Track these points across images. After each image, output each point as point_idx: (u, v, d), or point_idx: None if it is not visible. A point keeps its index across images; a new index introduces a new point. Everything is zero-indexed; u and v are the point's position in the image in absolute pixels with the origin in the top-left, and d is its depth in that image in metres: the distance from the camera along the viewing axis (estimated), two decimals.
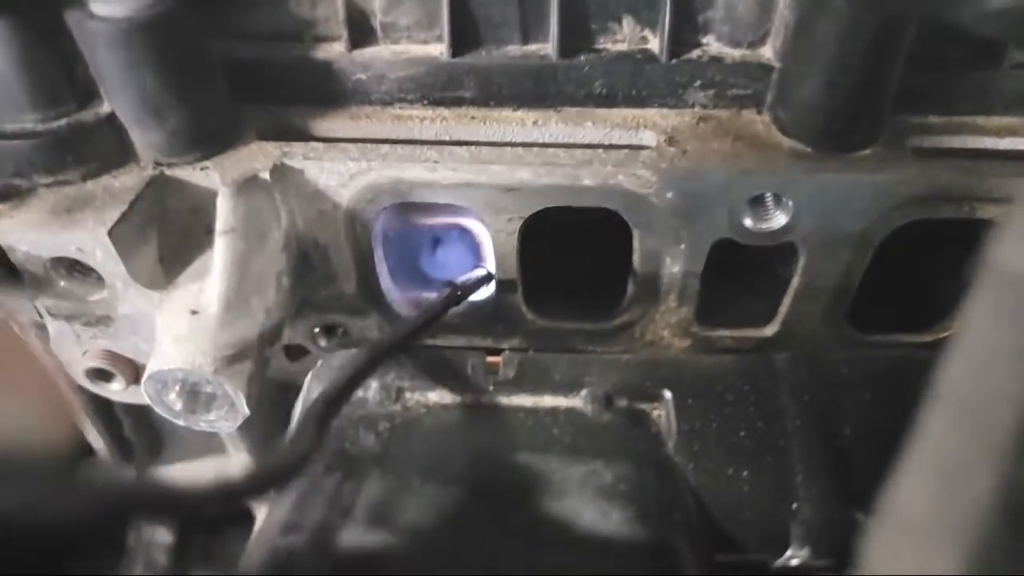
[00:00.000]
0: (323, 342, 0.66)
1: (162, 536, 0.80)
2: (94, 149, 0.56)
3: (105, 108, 0.56)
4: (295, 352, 0.67)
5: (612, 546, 0.43)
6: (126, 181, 0.56)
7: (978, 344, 0.26)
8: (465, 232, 0.84)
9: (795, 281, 0.61)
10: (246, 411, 0.55)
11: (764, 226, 0.57)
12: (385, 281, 0.65)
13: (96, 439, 0.70)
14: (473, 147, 0.58)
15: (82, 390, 0.66)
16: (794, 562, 0.45)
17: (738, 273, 0.70)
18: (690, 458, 0.49)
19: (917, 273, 0.65)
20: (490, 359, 0.55)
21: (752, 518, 0.47)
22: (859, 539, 0.45)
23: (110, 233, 0.53)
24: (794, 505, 0.46)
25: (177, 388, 0.55)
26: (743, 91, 0.59)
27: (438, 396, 0.53)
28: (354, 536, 0.44)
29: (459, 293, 0.59)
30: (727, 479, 0.48)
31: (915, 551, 0.25)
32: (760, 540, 0.46)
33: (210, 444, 0.71)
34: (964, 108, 0.58)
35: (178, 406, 0.56)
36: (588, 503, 0.45)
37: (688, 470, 0.48)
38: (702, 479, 0.48)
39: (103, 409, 0.69)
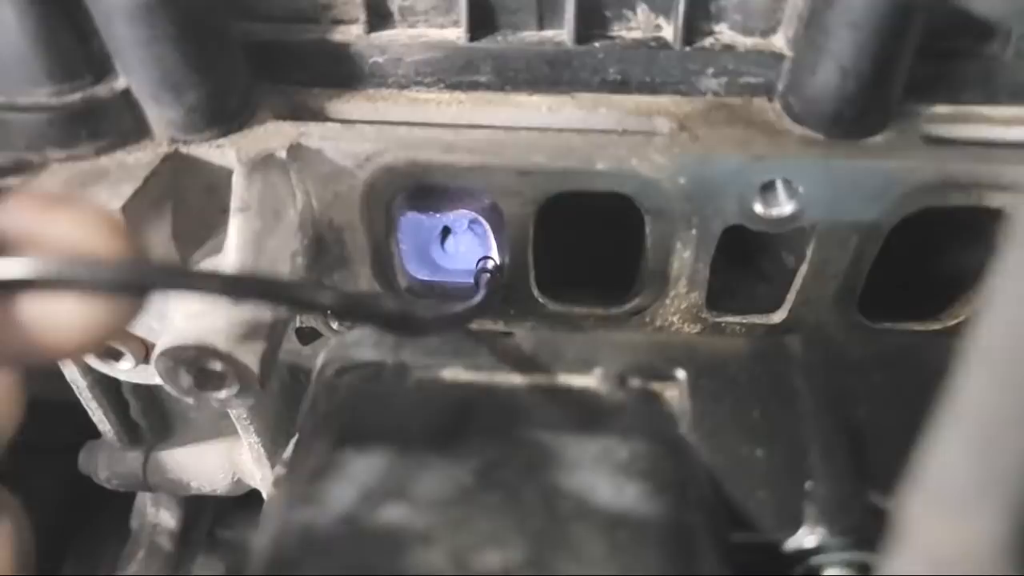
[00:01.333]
0: (335, 325, 0.66)
1: (166, 520, 0.79)
2: (109, 124, 0.56)
3: (121, 83, 0.55)
4: (307, 335, 0.67)
5: (628, 522, 0.43)
6: (141, 157, 0.56)
7: (1011, 301, 0.26)
8: (475, 222, 0.84)
9: (804, 268, 0.61)
10: (258, 389, 0.55)
11: (775, 212, 0.58)
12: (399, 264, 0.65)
13: (102, 421, 0.69)
14: (489, 130, 0.58)
15: (89, 370, 0.65)
16: (808, 541, 0.46)
17: (748, 260, 0.70)
18: (704, 437, 0.49)
19: (926, 262, 0.66)
20: (504, 338, 0.55)
21: (766, 497, 0.47)
22: (886, 513, 0.46)
23: (123, 209, 0.53)
24: (808, 484, 0.47)
25: (189, 365, 0.55)
26: (755, 79, 0.59)
27: (451, 374, 0.53)
28: (371, 510, 0.44)
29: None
30: (741, 458, 0.48)
31: (953, 519, 0.25)
32: (774, 519, 0.46)
33: (218, 427, 0.71)
34: (971, 98, 0.59)
35: (189, 384, 0.56)
36: (603, 479, 0.45)
37: (702, 449, 0.49)
38: (716, 458, 0.48)
39: (110, 390, 0.69)
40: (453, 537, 0.42)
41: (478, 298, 0.56)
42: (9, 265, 0.29)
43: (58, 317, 0.30)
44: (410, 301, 0.67)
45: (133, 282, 0.31)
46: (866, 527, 0.45)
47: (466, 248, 0.86)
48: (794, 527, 0.46)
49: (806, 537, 0.46)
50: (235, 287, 0.34)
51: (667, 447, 0.48)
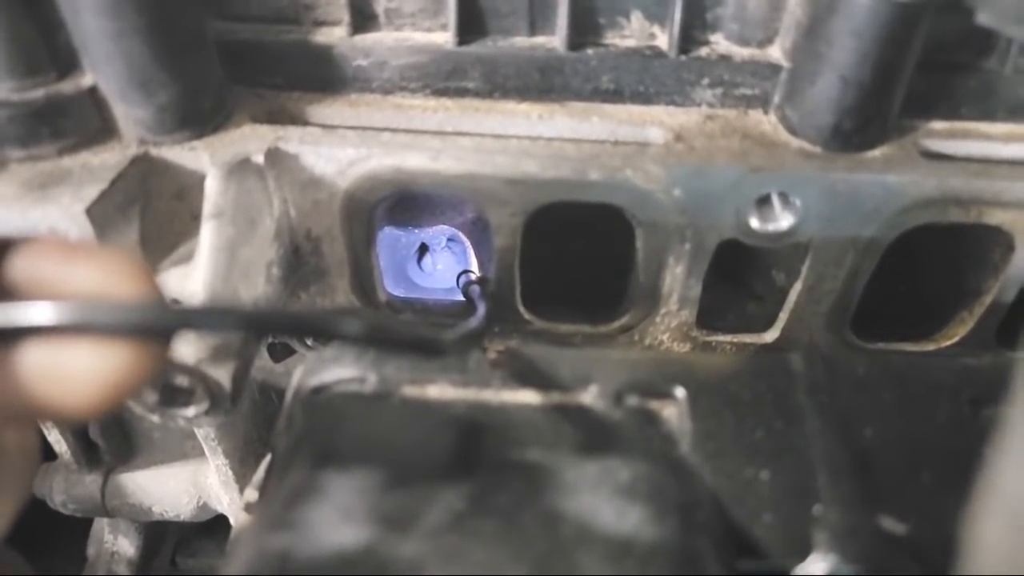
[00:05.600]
0: (310, 341, 0.63)
1: (125, 548, 0.74)
2: (73, 123, 0.52)
3: (87, 80, 0.52)
4: (279, 351, 0.64)
5: (632, 548, 0.40)
6: (107, 159, 0.53)
7: None
8: (453, 240, 0.82)
9: (798, 285, 0.60)
10: (229, 406, 0.51)
11: (771, 227, 0.56)
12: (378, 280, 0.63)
13: (59, 442, 0.64)
14: (477, 138, 0.56)
15: None
16: (818, 569, 0.43)
17: (739, 278, 0.69)
18: (706, 459, 0.46)
19: (919, 281, 0.65)
20: (493, 354, 0.52)
21: (773, 522, 0.44)
22: (897, 539, 0.43)
23: (88, 212, 0.49)
24: (816, 509, 0.44)
25: (155, 380, 0.51)
26: (750, 90, 0.58)
27: (439, 390, 0.50)
28: (352, 534, 0.41)
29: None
30: (745, 481, 0.46)
31: None
32: (782, 545, 0.44)
33: (183, 448, 0.67)
34: (969, 113, 0.58)
35: (155, 400, 0.52)
36: (603, 502, 0.42)
37: (704, 471, 0.46)
38: (719, 481, 0.46)
39: None
40: (446, 567, 0.39)
41: (482, 310, 0.53)
42: (19, 311, 0.27)
43: (76, 369, 0.28)
44: (426, 321, 0.65)
45: (153, 324, 0.28)
46: (878, 553, 0.43)
47: (444, 267, 0.83)
48: (803, 554, 0.43)
49: (816, 564, 0.43)
50: (260, 322, 0.33)
51: (668, 468, 0.45)
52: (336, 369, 0.51)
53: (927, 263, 0.65)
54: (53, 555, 0.78)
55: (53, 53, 0.51)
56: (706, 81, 0.58)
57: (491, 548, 0.40)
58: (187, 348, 0.49)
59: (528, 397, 0.49)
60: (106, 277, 0.29)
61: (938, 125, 0.58)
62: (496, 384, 0.50)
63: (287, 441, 0.49)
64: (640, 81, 0.58)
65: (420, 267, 0.85)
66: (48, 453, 0.68)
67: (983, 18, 0.48)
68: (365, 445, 0.47)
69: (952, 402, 0.49)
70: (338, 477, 0.45)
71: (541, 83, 0.58)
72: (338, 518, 0.42)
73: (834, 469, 0.46)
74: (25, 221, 0.50)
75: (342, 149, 0.54)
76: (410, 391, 0.50)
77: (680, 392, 0.49)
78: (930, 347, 0.63)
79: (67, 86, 0.52)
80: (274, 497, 0.45)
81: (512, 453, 0.46)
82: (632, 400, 0.49)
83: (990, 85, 0.57)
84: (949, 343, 0.62)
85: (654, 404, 0.49)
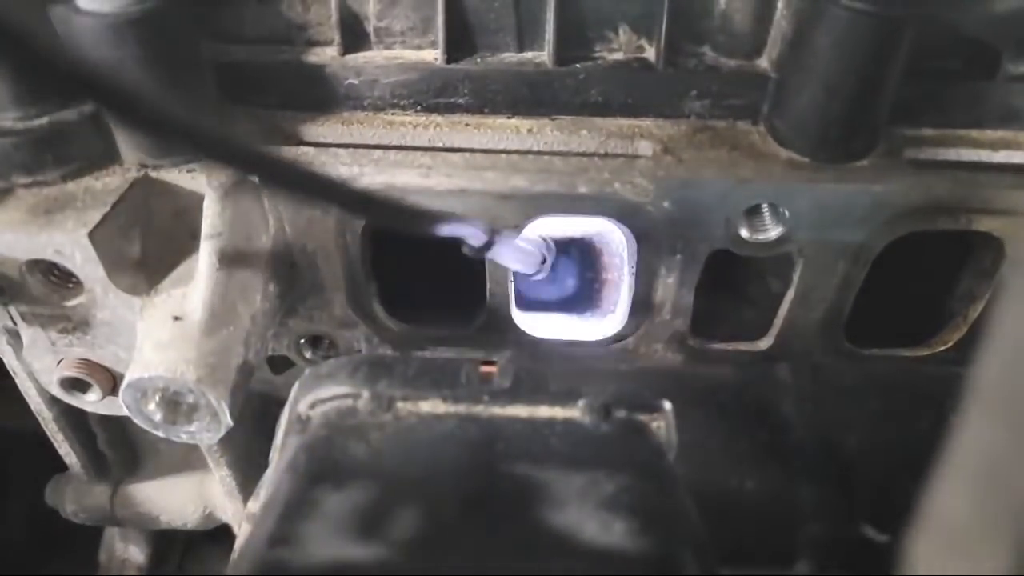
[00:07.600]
0: (308, 354, 0.64)
1: (135, 555, 0.76)
2: (76, 149, 0.54)
3: (89, 107, 0.54)
4: (279, 364, 0.65)
5: (615, 558, 0.41)
6: (109, 183, 0.54)
7: (1014, 340, 0.25)
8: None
9: (790, 293, 0.60)
10: (229, 422, 0.53)
11: (761, 237, 0.57)
12: None
13: (68, 454, 0.67)
14: (467, 153, 0.57)
15: (55, 401, 0.63)
16: None
17: (733, 286, 0.69)
18: (692, 469, 0.47)
19: (912, 288, 0.65)
20: (484, 368, 0.53)
21: (757, 531, 0.45)
22: (879, 547, 0.44)
23: (91, 235, 0.51)
24: (800, 518, 0.45)
25: (157, 397, 0.53)
26: (738, 101, 0.58)
27: (431, 406, 0.51)
28: (347, 548, 0.42)
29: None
30: (730, 491, 0.46)
31: (960, 556, 0.24)
32: (766, 554, 0.45)
33: (188, 459, 0.69)
34: (958, 121, 0.58)
35: (158, 416, 0.53)
36: (589, 514, 0.43)
37: (690, 482, 0.47)
38: (705, 491, 0.46)
39: (77, 422, 0.66)
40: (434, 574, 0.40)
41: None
42: None
43: None
44: None
45: None
46: (860, 561, 0.44)
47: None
48: (786, 562, 0.44)
49: (799, 572, 0.44)
50: None
51: (654, 480, 0.46)
52: (331, 385, 0.52)
53: (920, 269, 0.65)
54: (67, 562, 0.80)
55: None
56: (694, 93, 0.58)
57: (478, 561, 0.41)
58: (187, 366, 0.51)
59: (518, 411, 0.50)
60: None
61: (928, 133, 0.58)
62: (487, 399, 0.51)
63: (284, 455, 0.50)
64: (628, 94, 0.59)
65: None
66: (59, 464, 0.70)
67: (969, 29, 0.49)
68: (358, 459, 0.48)
69: (938, 411, 0.50)
70: (333, 491, 0.46)
71: (530, 98, 0.59)
72: (332, 532, 0.43)
73: (818, 479, 0.46)
74: (31, 245, 0.52)
75: (334, 168, 0.55)
76: (403, 406, 0.51)
77: (667, 404, 0.50)
78: (925, 352, 0.63)
79: (69, 114, 0.54)
80: (273, 510, 0.46)
81: (501, 467, 0.47)
82: (620, 413, 0.50)
83: (980, 93, 0.57)
84: (944, 348, 0.62)
85: (642, 417, 0.50)
